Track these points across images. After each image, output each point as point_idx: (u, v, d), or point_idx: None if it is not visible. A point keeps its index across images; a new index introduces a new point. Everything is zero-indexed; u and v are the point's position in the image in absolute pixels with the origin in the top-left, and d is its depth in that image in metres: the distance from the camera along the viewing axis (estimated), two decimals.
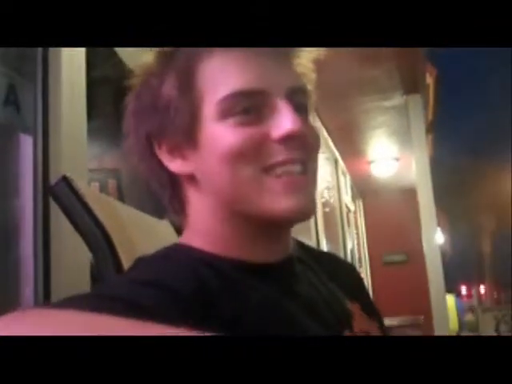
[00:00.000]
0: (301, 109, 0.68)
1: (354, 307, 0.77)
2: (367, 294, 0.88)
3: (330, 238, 5.45)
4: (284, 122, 0.64)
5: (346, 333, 0.71)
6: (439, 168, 8.88)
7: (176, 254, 0.68)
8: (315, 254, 0.84)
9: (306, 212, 0.66)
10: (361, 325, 0.75)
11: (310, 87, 0.72)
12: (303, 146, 0.67)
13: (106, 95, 2.09)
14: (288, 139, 0.65)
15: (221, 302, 0.61)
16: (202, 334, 0.41)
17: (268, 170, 0.65)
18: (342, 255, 5.46)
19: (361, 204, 8.34)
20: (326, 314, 0.70)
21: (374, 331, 0.77)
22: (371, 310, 0.82)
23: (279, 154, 0.65)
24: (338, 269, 0.84)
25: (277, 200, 0.64)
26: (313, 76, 0.73)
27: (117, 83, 0.71)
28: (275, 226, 0.69)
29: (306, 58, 0.73)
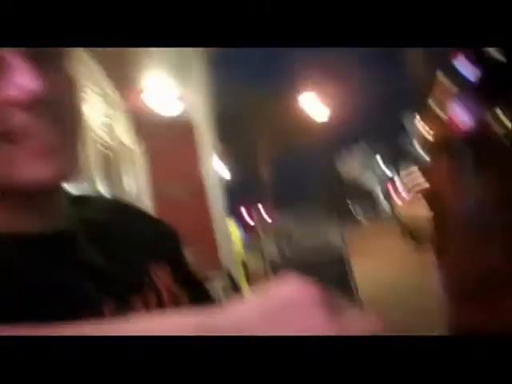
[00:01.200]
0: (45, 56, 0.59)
1: (159, 272, 0.72)
2: (178, 256, 0.80)
3: (112, 182, 5.30)
4: (19, 80, 0.55)
5: (140, 300, 0.66)
6: (219, 100, 9.06)
7: None
8: (102, 212, 0.75)
9: (61, 176, 0.61)
10: (168, 289, 0.70)
11: None
12: (46, 103, 0.58)
13: None
14: (26, 100, 0.56)
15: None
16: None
17: (5, 136, 0.57)
18: (126, 198, 5.31)
19: (143, 143, 8.18)
20: (112, 283, 0.65)
21: (185, 301, 0.71)
22: (184, 276, 0.76)
23: (18, 118, 0.57)
24: (133, 229, 0.76)
25: (22, 169, 0.57)
26: None
27: None
28: (35, 194, 0.61)
29: None
